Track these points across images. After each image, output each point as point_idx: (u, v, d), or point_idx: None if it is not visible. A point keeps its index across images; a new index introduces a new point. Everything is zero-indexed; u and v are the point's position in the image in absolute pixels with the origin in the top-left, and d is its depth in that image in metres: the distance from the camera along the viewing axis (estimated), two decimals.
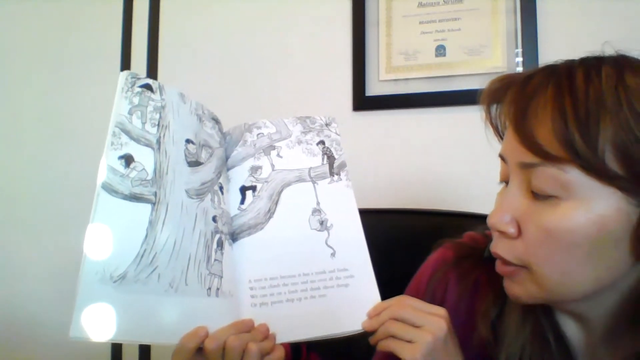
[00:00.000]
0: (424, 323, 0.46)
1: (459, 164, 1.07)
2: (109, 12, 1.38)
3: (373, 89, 1.14)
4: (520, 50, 1.04)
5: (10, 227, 1.44)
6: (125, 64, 1.37)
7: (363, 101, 1.13)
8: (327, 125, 0.62)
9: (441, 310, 0.48)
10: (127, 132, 0.48)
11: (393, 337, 0.47)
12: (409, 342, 0.45)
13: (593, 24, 1.00)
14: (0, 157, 1.47)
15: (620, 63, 0.41)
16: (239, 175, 0.58)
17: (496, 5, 1.07)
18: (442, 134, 1.09)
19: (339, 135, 0.62)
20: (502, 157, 0.47)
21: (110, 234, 0.43)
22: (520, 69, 1.04)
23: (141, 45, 1.36)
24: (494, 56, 1.06)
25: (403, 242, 0.75)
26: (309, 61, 1.21)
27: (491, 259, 0.49)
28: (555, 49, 1.02)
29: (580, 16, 1.01)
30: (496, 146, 0.51)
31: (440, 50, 1.10)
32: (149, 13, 1.35)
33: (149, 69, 1.34)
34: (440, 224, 0.82)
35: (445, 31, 1.10)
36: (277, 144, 0.60)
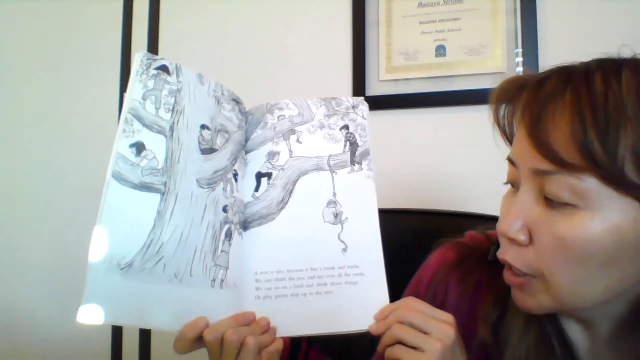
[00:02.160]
0: (432, 330, 0.45)
1: (459, 164, 1.07)
2: (109, 12, 1.38)
3: (373, 89, 1.14)
4: (520, 50, 1.04)
5: (10, 226, 1.44)
6: (125, 64, 1.37)
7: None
8: (353, 107, 0.58)
9: (449, 317, 0.47)
10: (139, 119, 0.47)
11: (400, 343, 0.46)
12: (417, 349, 0.44)
13: (593, 24, 1.00)
14: (0, 156, 1.47)
15: None
16: (256, 160, 0.56)
17: (496, 5, 1.07)
18: (442, 134, 1.09)
19: (365, 119, 0.57)
20: (511, 160, 0.46)
21: (118, 223, 0.44)
22: (520, 69, 1.04)
23: (141, 45, 1.36)
24: (494, 56, 1.06)
25: (403, 242, 0.75)
26: (309, 61, 1.21)
27: (495, 262, 0.48)
28: (555, 49, 1.02)
29: (580, 16, 1.01)
30: (502, 146, 0.50)
31: (440, 50, 1.10)
32: (149, 13, 1.35)
33: None
34: (441, 224, 0.82)
35: (445, 31, 1.10)
36: (297, 128, 0.57)
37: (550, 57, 0.88)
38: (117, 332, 1.33)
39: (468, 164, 1.05)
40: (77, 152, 1.40)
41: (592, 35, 0.99)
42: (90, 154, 1.38)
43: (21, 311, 1.41)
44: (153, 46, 1.34)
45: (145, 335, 1.31)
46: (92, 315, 0.40)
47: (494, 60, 1.06)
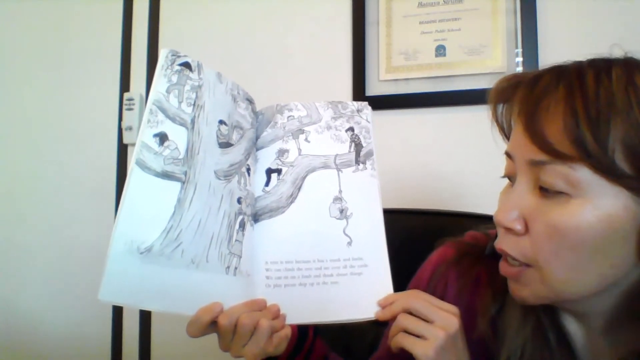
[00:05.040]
0: (436, 318, 0.46)
1: (459, 164, 1.07)
2: (109, 12, 1.38)
3: (373, 89, 1.14)
4: (520, 50, 1.04)
5: (10, 225, 1.44)
6: (125, 64, 1.37)
7: (363, 101, 1.13)
8: (358, 111, 0.62)
9: (453, 308, 0.48)
10: (163, 111, 0.49)
11: (404, 332, 0.47)
12: (421, 337, 0.46)
13: (593, 24, 1.00)
14: (1, 156, 1.47)
15: (630, 64, 0.41)
16: (267, 157, 0.59)
17: (496, 5, 1.07)
18: (442, 134, 1.09)
19: (369, 122, 0.61)
20: (508, 154, 0.47)
21: (140, 209, 0.45)
22: (520, 69, 1.04)
23: (141, 45, 1.36)
24: (494, 56, 1.06)
25: (403, 242, 0.75)
26: (309, 61, 1.21)
27: (492, 257, 0.50)
28: (555, 49, 1.02)
29: (580, 16, 1.01)
30: (500, 144, 0.51)
31: (440, 50, 1.10)
32: (149, 13, 1.35)
33: (148, 69, 1.34)
34: (440, 224, 0.82)
35: (445, 31, 1.10)
36: (306, 128, 0.60)
37: (550, 57, 0.88)
38: (117, 332, 1.33)
39: (468, 164, 1.06)
40: (77, 152, 1.40)
41: (592, 35, 0.99)
42: (90, 153, 1.39)
43: (21, 310, 1.41)
44: (153, 46, 1.34)
45: (145, 335, 1.31)
46: (110, 296, 0.41)
47: (494, 60, 1.06)
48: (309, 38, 1.21)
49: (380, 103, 1.13)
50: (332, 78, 1.18)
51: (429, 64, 1.11)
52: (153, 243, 0.45)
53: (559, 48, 1.02)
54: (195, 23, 1.31)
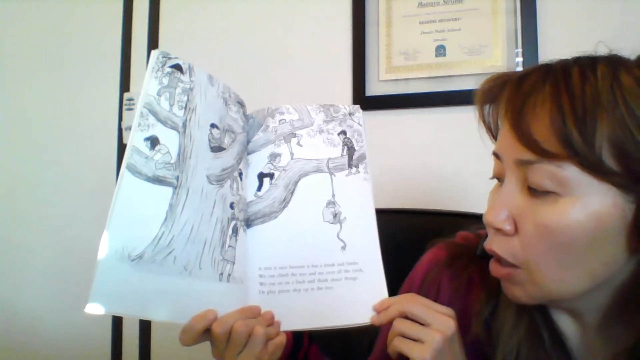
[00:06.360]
0: (432, 321, 0.46)
1: (458, 164, 1.07)
2: (109, 12, 1.38)
3: (373, 89, 1.14)
4: (520, 50, 1.04)
5: (10, 225, 1.44)
6: (125, 64, 1.37)
7: (363, 101, 1.13)
8: (350, 114, 0.61)
9: (449, 310, 0.48)
10: (154, 114, 0.48)
11: (401, 336, 0.47)
12: (418, 340, 0.45)
13: (593, 24, 1.00)
14: (1, 156, 1.47)
15: (615, 62, 0.42)
16: (258, 161, 0.58)
17: (496, 5, 1.07)
18: (442, 134, 1.09)
19: (361, 125, 0.61)
20: (496, 154, 0.47)
21: (131, 215, 0.44)
22: (520, 69, 1.04)
23: (141, 45, 1.36)
24: (494, 56, 1.06)
25: (402, 242, 0.75)
26: (309, 61, 1.21)
27: (484, 257, 0.50)
28: (555, 49, 1.02)
29: (580, 16, 1.01)
30: (490, 145, 0.51)
31: (440, 50, 1.10)
32: (149, 13, 1.35)
33: None
34: (440, 224, 0.82)
35: (445, 31, 1.10)
36: (298, 132, 0.59)
37: (550, 57, 0.88)
38: (117, 332, 1.33)
39: (468, 164, 1.06)
40: (77, 152, 1.40)
41: (592, 35, 0.98)
42: (90, 153, 1.39)
43: (21, 310, 1.41)
44: (153, 46, 1.34)
45: (145, 336, 1.31)
46: (100, 305, 0.40)
47: (494, 60, 1.06)
48: (309, 38, 1.21)
49: (380, 103, 1.13)
50: (332, 78, 1.18)
51: (429, 64, 1.11)
52: (144, 250, 0.43)
53: (559, 48, 1.01)
54: (195, 23, 1.31)
